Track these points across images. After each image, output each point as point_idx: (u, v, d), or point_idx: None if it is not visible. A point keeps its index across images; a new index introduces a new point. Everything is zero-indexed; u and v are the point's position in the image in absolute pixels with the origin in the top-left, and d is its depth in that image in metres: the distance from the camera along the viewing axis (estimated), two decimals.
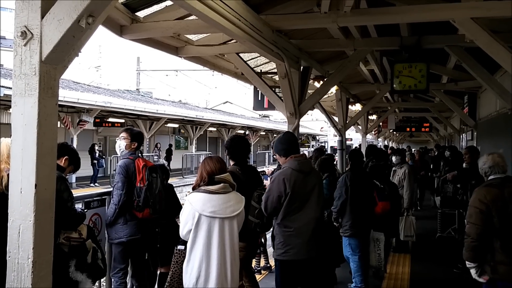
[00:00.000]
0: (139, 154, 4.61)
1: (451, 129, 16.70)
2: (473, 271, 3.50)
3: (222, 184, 3.29)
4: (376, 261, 5.77)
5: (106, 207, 4.66)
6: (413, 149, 16.98)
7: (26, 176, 2.12)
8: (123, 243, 4.37)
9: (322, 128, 30.49)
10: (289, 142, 4.03)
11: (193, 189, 3.36)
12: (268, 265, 6.46)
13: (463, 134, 14.01)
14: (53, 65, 2.17)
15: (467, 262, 3.52)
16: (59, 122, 16.19)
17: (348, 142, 26.52)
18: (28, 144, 2.12)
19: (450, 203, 8.22)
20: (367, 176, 5.71)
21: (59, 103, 2.31)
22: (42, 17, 2.10)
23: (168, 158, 25.91)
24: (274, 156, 4.15)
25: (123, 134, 4.55)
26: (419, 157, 13.06)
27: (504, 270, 3.34)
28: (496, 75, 7.71)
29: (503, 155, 3.75)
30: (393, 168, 8.48)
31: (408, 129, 19.19)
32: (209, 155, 3.88)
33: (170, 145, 28.05)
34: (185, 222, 3.22)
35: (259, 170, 5.99)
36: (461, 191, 7.64)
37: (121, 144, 4.52)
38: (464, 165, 7.22)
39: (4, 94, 12.46)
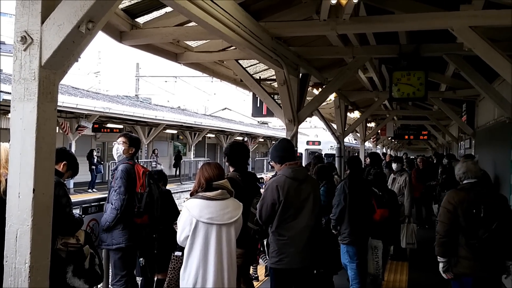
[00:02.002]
0: (136, 160, 4.61)
1: (449, 137, 16.72)
2: (440, 265, 3.91)
3: (220, 190, 3.29)
4: (374, 268, 5.75)
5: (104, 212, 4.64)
6: (411, 157, 16.97)
7: (24, 180, 2.12)
8: (122, 249, 4.32)
9: (317, 135, 27.95)
10: (284, 149, 3.99)
11: (191, 195, 3.35)
12: (256, 275, 6.39)
13: (461, 142, 14.03)
14: (53, 70, 2.18)
15: (438, 258, 3.91)
16: (57, 128, 16.24)
17: (315, 147, 23.08)
18: (26, 148, 2.12)
19: None
20: (366, 183, 5.71)
21: (58, 108, 2.31)
22: (42, 22, 2.11)
23: (177, 164, 25.87)
24: (271, 163, 4.13)
25: (122, 139, 4.53)
26: (423, 165, 11.49)
27: (468, 265, 3.72)
28: (494, 84, 7.73)
29: (476, 162, 4.23)
30: (393, 176, 8.48)
31: (406, 136, 19.22)
32: (208, 161, 3.88)
33: (179, 151, 28.03)
34: (182, 228, 3.21)
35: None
36: None
37: (119, 148, 4.49)
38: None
39: (3, 99, 12.46)
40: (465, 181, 3.93)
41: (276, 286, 3.91)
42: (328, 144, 23.36)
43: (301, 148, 22.66)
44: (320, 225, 4.27)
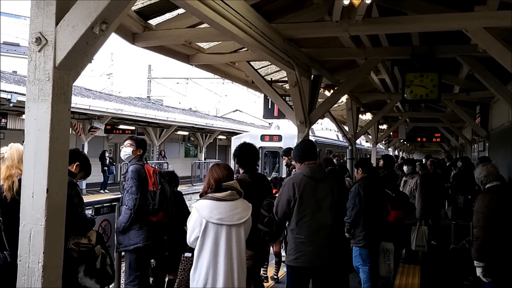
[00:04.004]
0: (146, 161, 4.67)
1: (463, 140, 16.54)
2: (479, 270, 3.89)
3: (229, 191, 3.29)
4: (386, 271, 5.71)
5: (116, 213, 4.67)
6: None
7: (38, 180, 2.14)
8: (139, 248, 4.34)
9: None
10: (304, 149, 4.15)
11: (201, 196, 3.36)
12: (276, 276, 6.41)
13: (475, 145, 13.86)
14: (67, 71, 2.20)
15: (475, 262, 3.91)
16: (70, 129, 16.38)
17: (274, 144, 16.03)
18: (40, 148, 2.14)
19: (462, 215, 8.09)
20: (380, 185, 5.67)
21: (71, 109, 2.33)
22: (57, 23, 2.13)
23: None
24: (292, 163, 4.28)
25: (129, 141, 4.61)
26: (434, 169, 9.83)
27: (509, 266, 3.75)
28: (509, 85, 7.63)
29: (495, 165, 4.30)
30: (404, 178, 8.41)
31: (418, 139, 19.04)
32: (217, 162, 3.91)
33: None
34: (192, 229, 3.22)
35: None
36: (473, 203, 7.54)
37: (127, 150, 4.56)
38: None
39: (17, 100, 12.62)
40: (488, 185, 3.99)
41: (292, 284, 3.97)
42: (293, 140, 15.58)
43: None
44: (339, 225, 4.29)
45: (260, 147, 15.11)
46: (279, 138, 16.29)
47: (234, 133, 31.05)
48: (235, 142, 16.32)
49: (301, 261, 3.85)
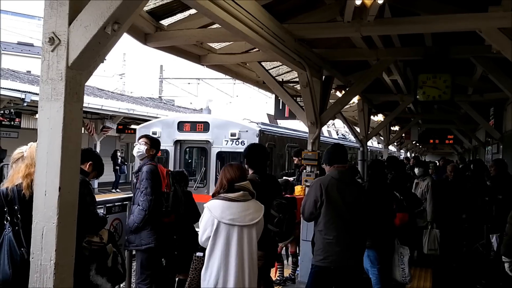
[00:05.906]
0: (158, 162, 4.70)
1: (476, 142, 16.34)
2: (506, 265, 4.10)
3: (241, 192, 3.29)
4: (400, 275, 5.61)
5: (127, 212, 4.69)
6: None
7: (50, 179, 2.16)
8: (151, 248, 4.37)
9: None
10: (332, 152, 4.26)
11: (213, 196, 3.36)
12: (293, 276, 6.35)
13: (489, 147, 13.69)
14: (79, 70, 2.22)
15: (503, 257, 4.14)
16: (83, 128, 16.55)
17: (198, 136, 10.40)
18: (53, 147, 2.16)
19: (476, 217, 7.96)
20: (387, 187, 5.61)
21: (84, 109, 2.35)
22: (70, 23, 2.16)
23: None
24: (322, 165, 4.53)
25: (144, 140, 4.63)
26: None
27: None
28: None
29: None
30: (416, 181, 8.30)
31: (431, 141, 18.85)
32: (229, 162, 3.90)
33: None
34: (204, 229, 3.22)
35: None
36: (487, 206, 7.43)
37: (141, 148, 4.57)
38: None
39: (31, 100, 12.79)
40: None
41: (316, 283, 3.99)
42: (225, 130, 10.37)
43: (167, 138, 10.54)
44: (366, 227, 4.31)
45: (177, 141, 10.61)
46: (206, 126, 10.51)
47: None
48: (141, 132, 10.93)
49: (329, 261, 3.91)
